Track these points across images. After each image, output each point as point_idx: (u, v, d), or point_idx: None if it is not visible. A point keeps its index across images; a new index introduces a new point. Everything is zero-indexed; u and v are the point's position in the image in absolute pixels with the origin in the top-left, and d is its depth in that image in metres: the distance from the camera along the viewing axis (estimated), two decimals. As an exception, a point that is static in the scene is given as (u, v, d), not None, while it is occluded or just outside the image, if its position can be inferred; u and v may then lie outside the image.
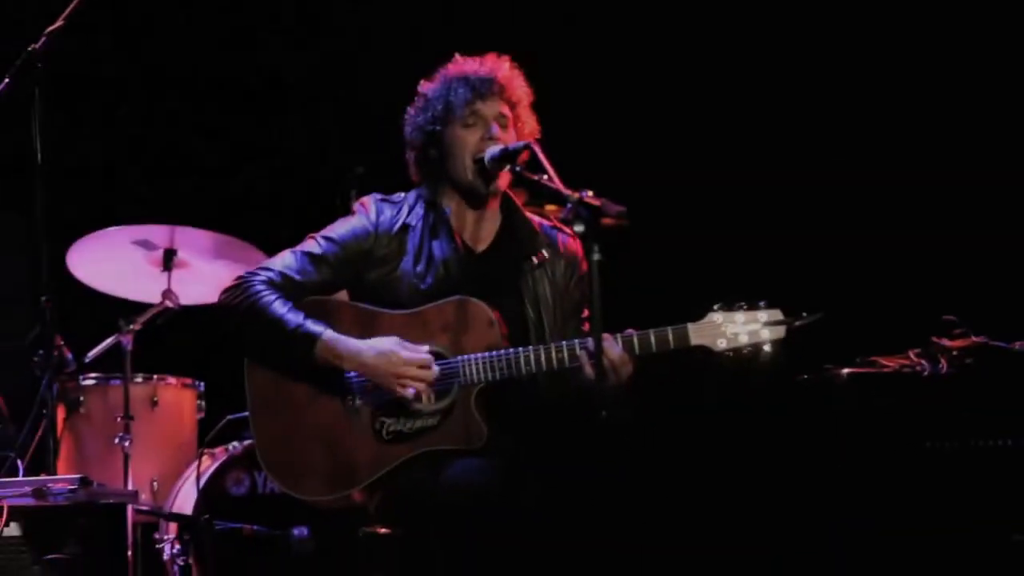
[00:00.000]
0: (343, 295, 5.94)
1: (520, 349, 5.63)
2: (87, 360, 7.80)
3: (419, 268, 5.79)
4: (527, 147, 5.63)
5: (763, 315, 5.58)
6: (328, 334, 5.63)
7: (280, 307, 5.65)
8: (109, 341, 7.84)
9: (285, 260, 5.79)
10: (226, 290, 5.77)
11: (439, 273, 5.79)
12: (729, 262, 7.96)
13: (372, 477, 5.67)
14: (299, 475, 5.75)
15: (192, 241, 7.87)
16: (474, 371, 5.64)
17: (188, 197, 8.59)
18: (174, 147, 9.16)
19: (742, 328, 5.58)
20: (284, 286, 5.71)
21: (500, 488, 5.40)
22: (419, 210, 5.88)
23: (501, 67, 5.87)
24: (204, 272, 7.91)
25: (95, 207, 8.09)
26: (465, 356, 5.66)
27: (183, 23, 9.27)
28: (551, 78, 6.06)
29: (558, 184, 5.35)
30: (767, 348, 5.57)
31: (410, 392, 5.59)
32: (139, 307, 7.91)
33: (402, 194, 5.96)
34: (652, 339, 5.54)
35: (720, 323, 5.58)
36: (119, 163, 8.95)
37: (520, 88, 5.87)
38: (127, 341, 7.79)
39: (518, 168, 5.70)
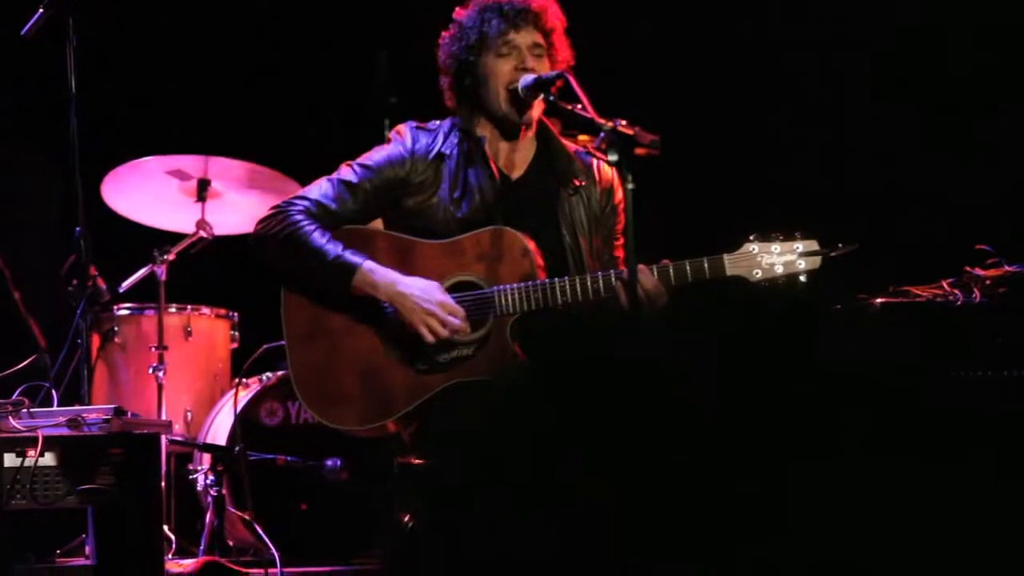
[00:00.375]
0: (378, 224, 5.89)
1: (555, 280, 5.59)
2: (121, 290, 7.78)
3: (455, 195, 5.74)
4: (561, 76, 5.60)
5: (799, 245, 5.54)
6: (367, 264, 5.62)
7: (319, 237, 5.64)
8: (143, 271, 7.82)
9: (321, 188, 5.74)
10: (262, 220, 5.75)
11: (475, 200, 5.74)
12: (765, 193, 7.90)
13: (407, 407, 5.66)
14: (334, 405, 5.72)
15: (226, 171, 7.85)
16: (509, 301, 5.61)
17: (222, 128, 8.49)
18: (208, 78, 9.07)
19: (778, 259, 5.54)
20: (321, 215, 5.68)
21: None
22: (454, 138, 5.82)
23: None
24: (238, 202, 7.90)
25: (129, 138, 8.01)
26: (500, 286, 5.62)
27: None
28: (584, 7, 5.99)
29: (592, 113, 5.32)
30: (802, 279, 5.52)
31: (429, 337, 5.56)
32: (173, 237, 7.89)
33: (437, 122, 5.89)
34: (688, 269, 5.50)
35: (756, 253, 5.54)
36: (153, 94, 8.87)
37: (554, 17, 5.81)
38: (161, 271, 7.77)
39: (552, 97, 5.63)
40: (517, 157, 5.90)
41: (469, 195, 5.75)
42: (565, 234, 5.80)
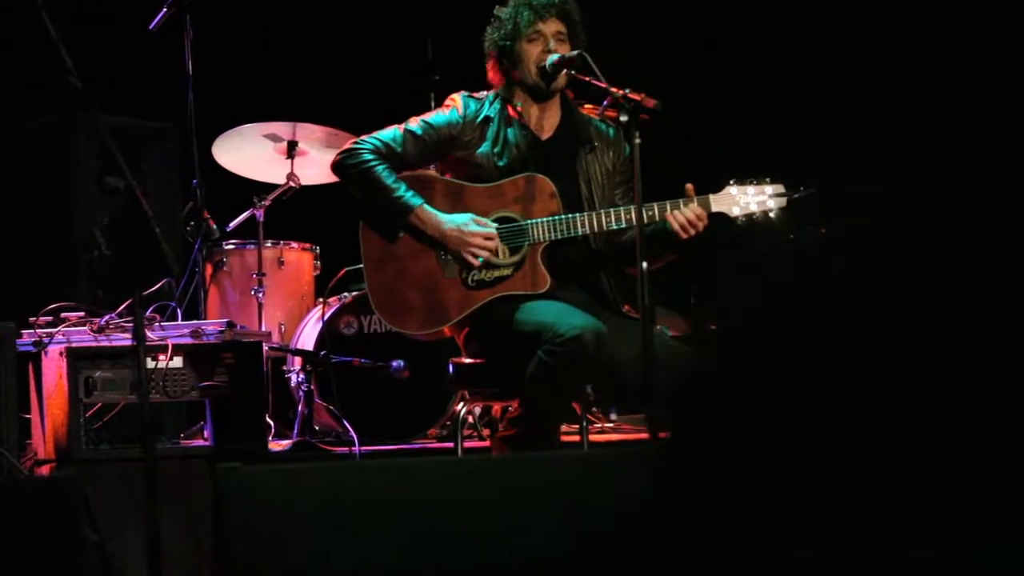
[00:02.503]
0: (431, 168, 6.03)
1: (576, 214, 5.72)
2: (228, 229, 7.89)
3: (496, 150, 5.82)
4: (579, 55, 5.68)
5: (769, 188, 5.65)
6: (422, 207, 5.73)
7: (386, 176, 5.73)
8: (246, 214, 7.93)
9: (392, 133, 5.83)
10: (344, 151, 5.85)
11: (512, 154, 5.83)
12: (745, 149, 7.92)
13: (460, 316, 5.77)
14: (401, 314, 5.83)
15: (309, 134, 7.93)
16: (540, 232, 5.72)
17: (307, 99, 8.58)
18: (294, 60, 9.17)
19: (753, 199, 5.64)
20: (388, 155, 5.77)
21: (556, 320, 5.47)
22: (497, 106, 5.91)
23: None
24: (319, 159, 7.96)
25: (235, 109, 8.09)
26: (532, 220, 5.74)
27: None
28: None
29: (604, 83, 5.43)
30: (772, 215, 5.62)
31: (474, 261, 5.69)
32: (269, 187, 7.98)
33: (484, 92, 6.00)
34: (681, 205, 5.58)
35: (735, 195, 5.65)
36: (252, 72, 8.97)
37: (573, 10, 5.90)
38: (260, 214, 7.87)
39: (572, 72, 5.73)
40: (546, 122, 5.98)
41: (508, 150, 5.84)
42: (582, 185, 5.88)
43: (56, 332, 6.10)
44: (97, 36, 7.83)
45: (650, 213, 5.60)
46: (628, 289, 5.75)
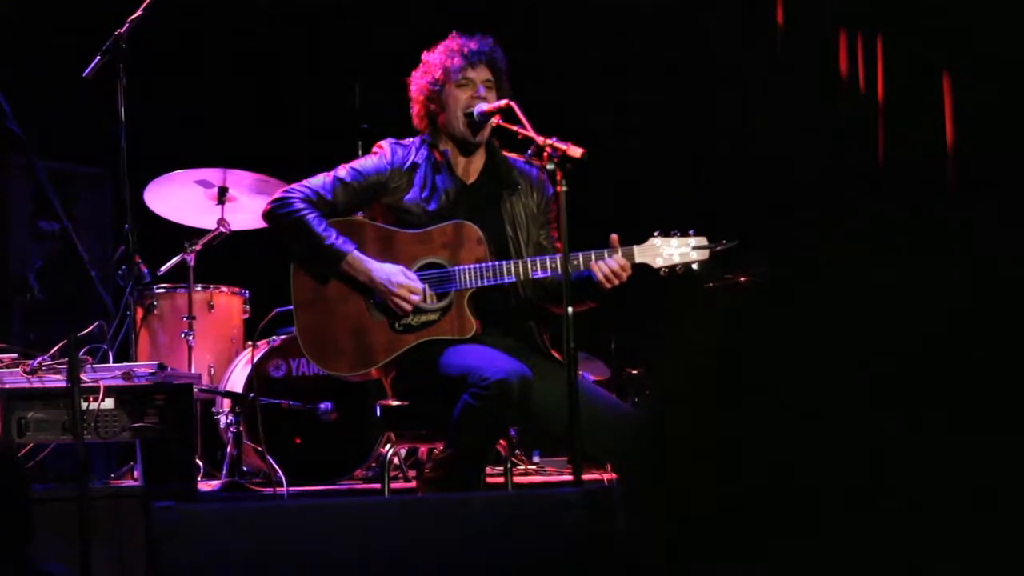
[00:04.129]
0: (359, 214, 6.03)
1: (503, 261, 5.74)
2: (159, 273, 7.89)
3: (424, 194, 5.84)
4: (507, 105, 5.70)
5: (692, 240, 5.68)
6: (353, 254, 5.71)
7: (316, 224, 5.71)
8: (176, 259, 7.93)
9: (322, 181, 5.83)
10: (274, 200, 5.83)
11: (440, 199, 5.85)
12: (669, 200, 7.99)
13: (387, 359, 5.76)
14: (330, 356, 5.81)
15: (240, 180, 7.96)
16: (467, 278, 5.73)
17: (238, 145, 8.58)
18: (225, 108, 9.17)
19: (676, 250, 5.67)
20: (319, 203, 5.76)
21: (481, 364, 5.47)
22: (424, 151, 5.94)
23: (487, 43, 5.93)
24: (249, 205, 7.98)
25: (165, 155, 8.08)
26: (460, 266, 5.75)
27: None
28: (521, 53, 6.12)
29: (531, 132, 5.46)
30: (695, 267, 5.66)
31: (403, 307, 5.69)
32: (199, 232, 7.97)
33: (410, 139, 6.01)
34: (605, 256, 5.61)
35: (659, 246, 5.68)
36: (182, 121, 8.95)
37: (501, 60, 5.93)
38: (190, 258, 7.87)
39: (500, 122, 5.76)
40: (472, 166, 6.00)
41: (436, 195, 5.86)
42: (507, 227, 5.91)
43: (-12, 374, 6.04)
44: (31, 82, 7.80)
45: (575, 262, 5.60)
46: (554, 333, 5.75)
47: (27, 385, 5.97)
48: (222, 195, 7.94)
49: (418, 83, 5.97)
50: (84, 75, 7.02)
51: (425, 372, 5.67)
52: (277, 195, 5.85)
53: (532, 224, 5.95)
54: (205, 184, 7.94)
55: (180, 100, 9.09)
